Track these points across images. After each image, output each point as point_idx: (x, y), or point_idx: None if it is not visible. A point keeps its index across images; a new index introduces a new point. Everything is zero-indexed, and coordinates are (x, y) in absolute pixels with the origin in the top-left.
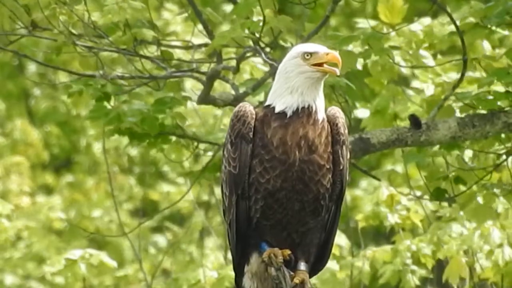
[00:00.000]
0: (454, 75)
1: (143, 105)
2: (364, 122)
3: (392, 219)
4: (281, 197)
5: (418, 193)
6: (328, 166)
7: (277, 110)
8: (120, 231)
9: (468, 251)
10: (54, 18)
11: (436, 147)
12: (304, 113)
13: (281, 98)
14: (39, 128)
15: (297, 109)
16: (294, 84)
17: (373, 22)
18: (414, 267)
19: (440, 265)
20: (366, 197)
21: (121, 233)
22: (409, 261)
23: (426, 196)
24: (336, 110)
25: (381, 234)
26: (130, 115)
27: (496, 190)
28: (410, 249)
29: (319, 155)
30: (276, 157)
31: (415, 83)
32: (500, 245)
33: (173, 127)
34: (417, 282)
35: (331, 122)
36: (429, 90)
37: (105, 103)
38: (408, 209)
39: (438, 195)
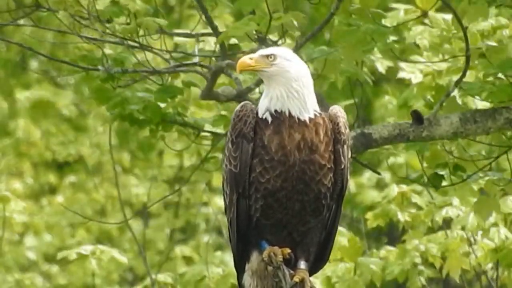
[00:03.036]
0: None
1: (146, 94)
2: (389, 114)
3: (402, 217)
4: (281, 196)
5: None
6: (329, 166)
7: (259, 114)
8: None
9: (464, 239)
10: (60, 5)
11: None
12: (284, 116)
13: (260, 104)
14: (42, 126)
15: (271, 112)
16: (264, 88)
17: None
18: (422, 267)
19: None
20: (370, 187)
21: (122, 228)
22: (418, 260)
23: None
24: (337, 110)
25: (383, 233)
26: (133, 102)
27: (495, 176)
28: (418, 249)
29: (320, 155)
30: (275, 159)
31: (402, 74)
32: (495, 224)
33: (175, 114)
34: (424, 282)
35: (333, 121)
36: (417, 78)
37: (109, 86)
38: (420, 208)
39: (435, 181)
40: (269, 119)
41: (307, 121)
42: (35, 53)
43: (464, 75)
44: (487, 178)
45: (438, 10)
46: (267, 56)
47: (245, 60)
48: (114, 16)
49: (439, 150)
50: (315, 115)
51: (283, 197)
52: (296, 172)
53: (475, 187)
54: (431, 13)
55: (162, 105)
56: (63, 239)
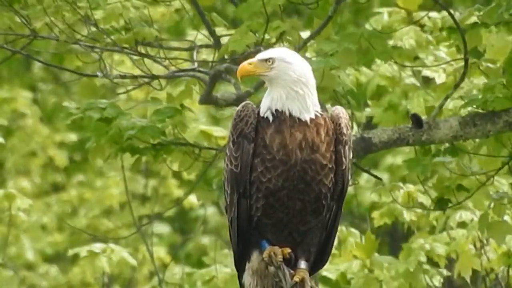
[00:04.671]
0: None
1: (140, 119)
2: (377, 118)
3: (408, 217)
4: (282, 196)
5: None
6: (330, 166)
7: (261, 113)
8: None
9: (476, 243)
10: (57, 15)
11: (440, 158)
12: (285, 116)
13: (262, 104)
14: (46, 125)
15: (272, 111)
16: (267, 89)
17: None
18: (427, 267)
19: (452, 265)
20: (368, 188)
21: (129, 231)
22: (423, 259)
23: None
24: (340, 110)
25: (387, 233)
26: (129, 128)
27: (497, 196)
28: (424, 249)
29: (321, 155)
30: (277, 158)
31: (426, 72)
32: None
33: (175, 137)
34: (430, 282)
35: (335, 122)
36: (440, 78)
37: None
38: (425, 207)
39: (441, 204)
40: (270, 118)
41: (308, 122)
42: (35, 60)
43: (463, 78)
44: (494, 195)
45: (423, 8)
46: (266, 60)
47: (245, 66)
48: (111, 32)
49: (444, 176)
50: (316, 115)
51: (284, 196)
52: (298, 172)
53: (491, 191)
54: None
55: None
56: (68, 239)
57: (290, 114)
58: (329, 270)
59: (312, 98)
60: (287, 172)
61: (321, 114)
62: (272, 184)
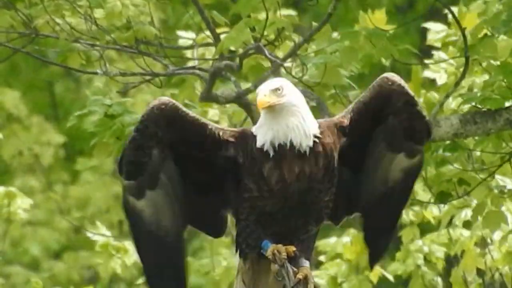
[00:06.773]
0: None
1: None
2: None
3: (407, 217)
4: (279, 217)
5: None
6: (329, 186)
7: (258, 145)
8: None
9: (480, 242)
10: (57, 13)
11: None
12: (285, 150)
13: (259, 134)
14: (63, 121)
15: (274, 146)
16: (263, 120)
17: None
18: (425, 269)
19: (450, 266)
20: None
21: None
22: (420, 262)
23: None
24: (392, 81)
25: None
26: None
27: (499, 188)
28: (422, 250)
29: (318, 181)
30: (274, 190)
31: (426, 73)
32: None
33: None
34: (427, 283)
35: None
36: (441, 79)
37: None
38: (425, 205)
39: (442, 198)
40: (271, 152)
41: (307, 153)
42: (36, 58)
43: (463, 76)
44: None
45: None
46: (276, 89)
47: (264, 99)
48: (111, 32)
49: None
50: (315, 141)
51: (282, 217)
52: (295, 199)
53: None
54: None
55: None
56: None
57: (291, 146)
58: (319, 276)
59: (311, 122)
60: (285, 201)
61: (319, 138)
62: (269, 207)
